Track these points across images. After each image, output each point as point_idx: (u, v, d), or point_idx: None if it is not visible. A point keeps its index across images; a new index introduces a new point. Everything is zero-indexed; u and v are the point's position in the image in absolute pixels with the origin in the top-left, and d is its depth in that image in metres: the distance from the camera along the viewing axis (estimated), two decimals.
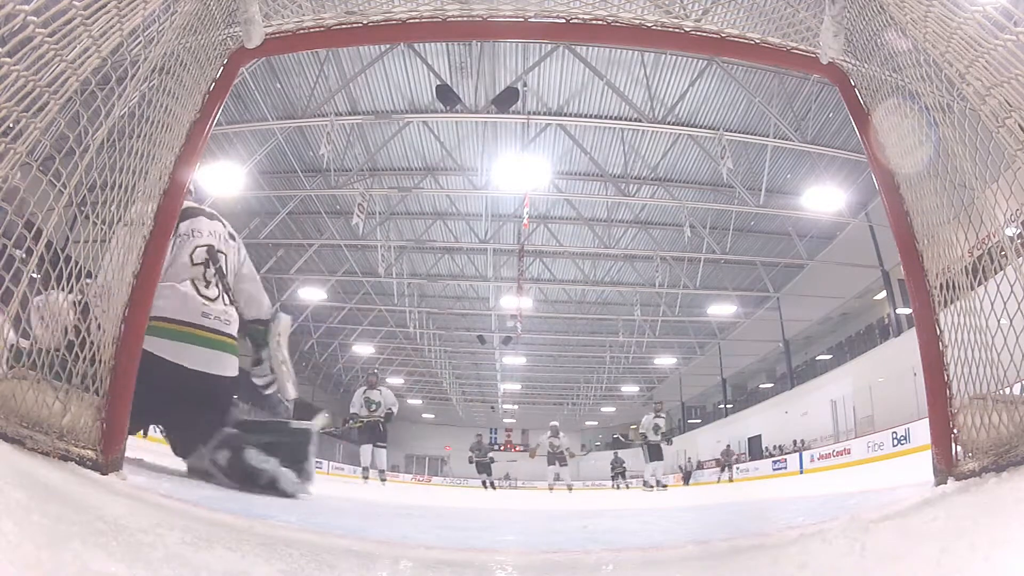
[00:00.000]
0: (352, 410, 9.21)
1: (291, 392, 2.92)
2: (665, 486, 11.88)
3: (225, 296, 2.59)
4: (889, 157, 1.93)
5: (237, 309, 2.66)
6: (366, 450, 9.05)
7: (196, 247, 2.48)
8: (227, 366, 2.54)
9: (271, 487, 2.36)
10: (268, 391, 2.89)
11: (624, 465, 20.35)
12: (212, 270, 2.50)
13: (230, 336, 2.58)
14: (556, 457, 13.27)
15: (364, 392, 9.22)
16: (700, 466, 24.69)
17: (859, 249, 14.73)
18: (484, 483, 15.08)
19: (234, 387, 2.65)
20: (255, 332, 2.75)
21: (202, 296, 2.44)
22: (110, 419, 1.63)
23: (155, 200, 1.86)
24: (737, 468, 20.06)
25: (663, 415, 11.89)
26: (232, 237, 2.76)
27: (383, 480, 9.00)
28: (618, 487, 18.32)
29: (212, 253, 2.50)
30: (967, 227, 1.52)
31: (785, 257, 16.25)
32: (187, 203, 2.10)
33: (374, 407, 9.10)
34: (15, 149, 1.16)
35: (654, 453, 11.63)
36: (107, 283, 1.57)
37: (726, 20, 2.18)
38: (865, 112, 2.04)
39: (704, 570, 1.20)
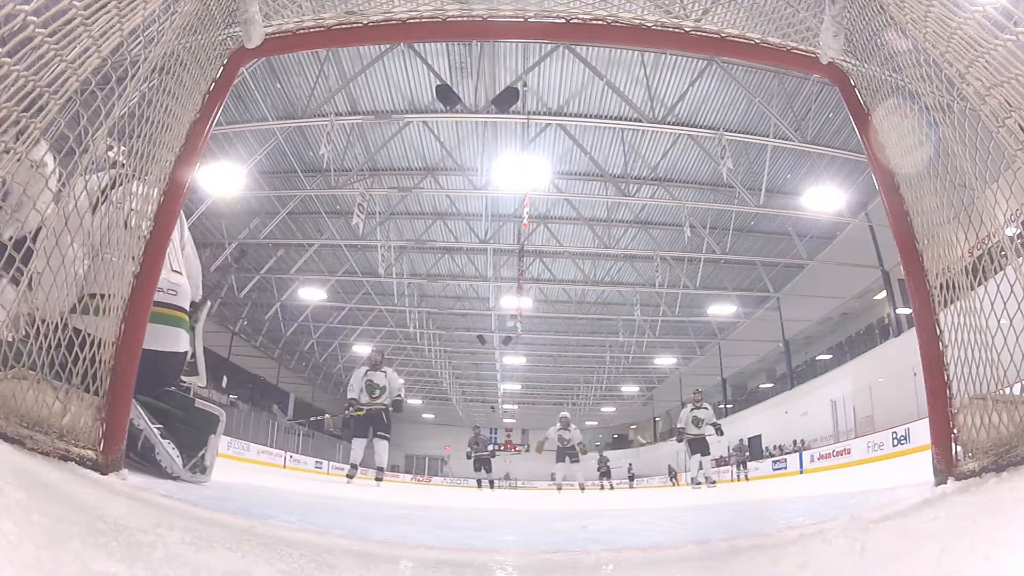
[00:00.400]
0: (350, 395, 7.28)
1: (203, 379, 2.80)
2: (714, 482, 10.37)
3: (171, 262, 2.41)
4: (889, 157, 1.93)
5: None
6: (359, 444, 7.18)
7: (130, 211, 2.33)
8: (172, 341, 2.39)
9: (147, 458, 2.15)
10: (182, 376, 2.73)
11: (608, 464, 19.89)
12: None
13: (176, 308, 2.42)
14: (567, 452, 11.58)
15: (366, 374, 7.35)
16: (701, 466, 24.59)
17: (859, 249, 14.73)
18: (480, 482, 13.10)
19: (182, 364, 2.52)
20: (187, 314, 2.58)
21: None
22: (110, 419, 1.63)
23: (155, 200, 1.87)
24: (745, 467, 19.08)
25: (705, 406, 10.35)
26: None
27: (378, 480, 7.10)
28: (603, 487, 17.72)
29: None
30: (967, 227, 1.52)
31: (785, 257, 16.25)
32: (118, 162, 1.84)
33: (377, 393, 7.27)
34: (15, 149, 1.16)
35: (695, 447, 10.22)
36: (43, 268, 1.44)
37: (726, 20, 2.18)
38: (865, 112, 2.04)
39: (704, 570, 1.20)
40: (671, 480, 25.64)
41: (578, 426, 12.08)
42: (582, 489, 11.55)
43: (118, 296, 1.73)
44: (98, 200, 1.64)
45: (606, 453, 21.38)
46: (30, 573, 0.70)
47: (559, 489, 11.23)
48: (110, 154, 1.66)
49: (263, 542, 1.19)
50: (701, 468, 10.10)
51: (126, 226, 2.01)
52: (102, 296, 1.88)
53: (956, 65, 1.39)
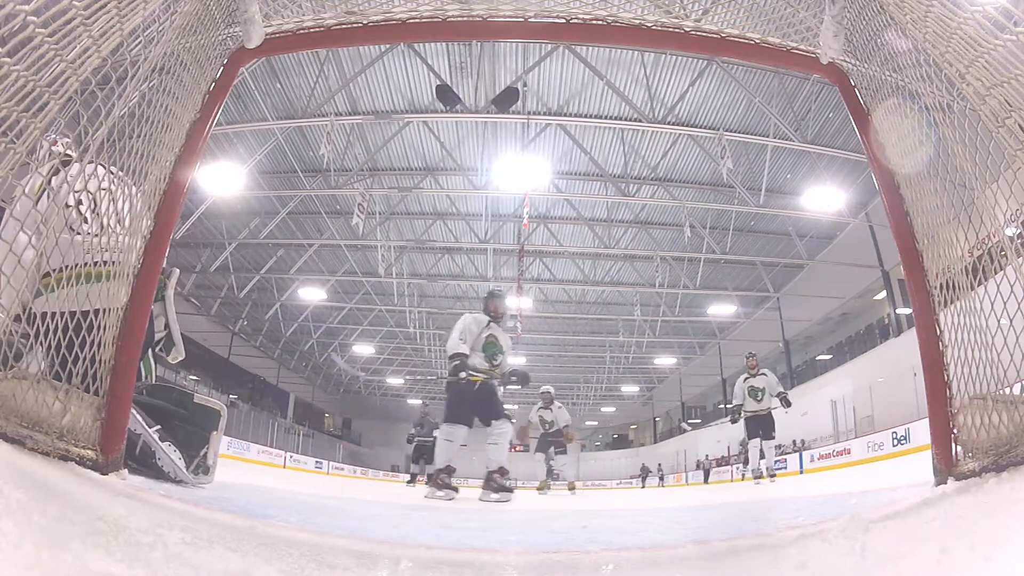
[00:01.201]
0: (457, 350, 4.65)
1: (181, 352, 2.66)
2: (774, 475, 8.20)
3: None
4: (889, 157, 1.93)
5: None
6: (456, 434, 4.59)
7: (70, 192, 2.05)
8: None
9: (148, 463, 2.06)
10: (158, 348, 2.58)
11: (551, 462, 18.21)
12: (87, 207, 2.04)
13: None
14: (550, 440, 9.06)
15: (487, 327, 4.84)
16: (763, 454, 23.74)
17: (859, 249, 14.72)
18: (414, 477, 10.32)
19: (151, 325, 2.40)
20: None
21: (83, 233, 1.99)
22: (110, 419, 1.63)
23: (155, 200, 1.87)
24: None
25: (763, 372, 8.01)
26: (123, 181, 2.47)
27: (506, 492, 4.45)
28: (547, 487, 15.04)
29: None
30: (967, 227, 1.52)
31: (785, 257, 16.25)
32: (65, 154, 1.71)
33: (500, 359, 4.85)
34: (15, 149, 1.16)
35: (754, 427, 7.79)
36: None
37: (726, 20, 2.18)
38: (865, 112, 2.04)
39: (704, 570, 1.20)
40: (640, 483, 25.42)
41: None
42: (571, 490, 8.99)
43: (118, 296, 1.73)
44: (40, 193, 1.61)
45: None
46: (30, 573, 0.70)
47: (540, 490, 8.74)
48: (54, 148, 1.65)
49: (263, 542, 1.19)
50: (763, 457, 7.83)
51: (64, 203, 1.87)
52: (50, 273, 1.82)
53: (956, 65, 1.39)
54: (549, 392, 9.60)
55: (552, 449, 9.19)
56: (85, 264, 2.08)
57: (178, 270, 2.75)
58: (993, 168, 1.37)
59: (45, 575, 0.71)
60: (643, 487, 22.66)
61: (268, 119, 11.16)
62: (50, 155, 1.64)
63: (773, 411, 7.86)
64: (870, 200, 13.27)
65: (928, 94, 1.59)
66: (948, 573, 0.83)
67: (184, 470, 2.20)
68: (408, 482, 10.84)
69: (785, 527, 1.60)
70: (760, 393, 7.86)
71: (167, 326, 2.59)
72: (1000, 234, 1.43)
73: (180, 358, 2.71)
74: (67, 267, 1.87)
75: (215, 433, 2.39)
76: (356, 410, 34.84)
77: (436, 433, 10.31)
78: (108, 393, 1.64)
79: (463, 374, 4.54)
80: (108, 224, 2.20)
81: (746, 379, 8.04)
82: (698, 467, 24.55)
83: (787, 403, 7.86)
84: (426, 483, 4.83)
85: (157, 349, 2.64)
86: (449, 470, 4.58)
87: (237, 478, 4.36)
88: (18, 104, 1.14)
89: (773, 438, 7.94)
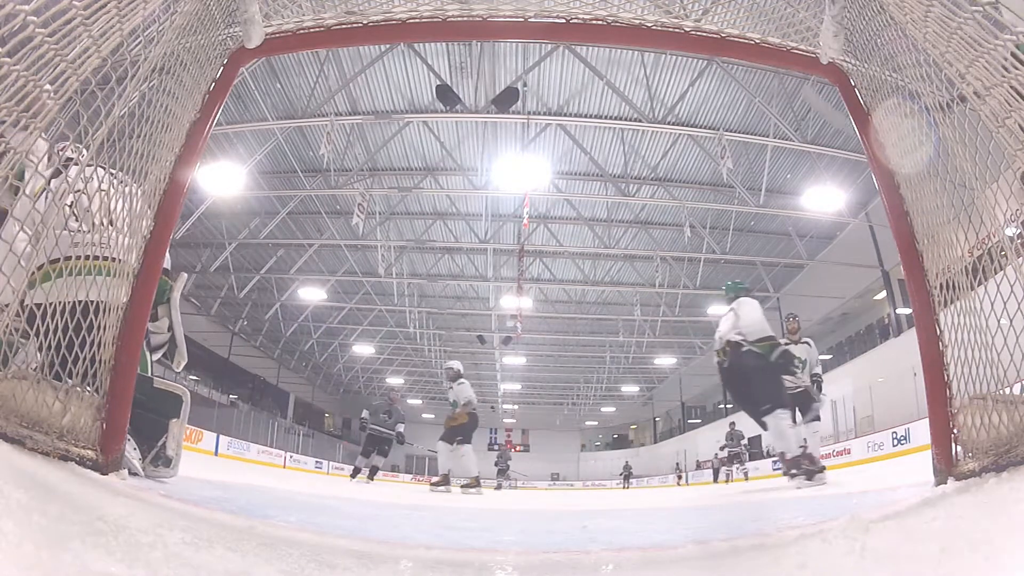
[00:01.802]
0: (769, 332, 4.62)
1: (184, 356, 2.56)
2: (822, 468, 5.81)
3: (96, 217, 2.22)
4: (889, 157, 1.93)
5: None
6: (789, 418, 4.51)
7: (68, 192, 2.00)
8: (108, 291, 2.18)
9: None
10: (158, 353, 2.49)
11: (508, 462, 18.03)
12: (85, 206, 1.98)
13: (111, 259, 2.20)
14: (450, 425, 7.54)
15: None
16: (805, 443, 22.88)
17: (859, 249, 14.72)
18: (357, 471, 9.29)
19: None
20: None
21: (75, 230, 1.94)
22: (110, 419, 1.63)
23: (155, 200, 1.87)
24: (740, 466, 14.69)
25: (806, 340, 6.50)
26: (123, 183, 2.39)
27: (820, 472, 4.24)
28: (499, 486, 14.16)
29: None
30: (967, 227, 1.52)
31: (785, 257, 16.25)
32: (68, 154, 1.73)
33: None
34: (15, 149, 1.16)
35: (790, 406, 6.43)
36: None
37: (726, 20, 2.18)
38: (865, 112, 2.04)
39: (704, 570, 1.20)
40: (624, 483, 25.23)
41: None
42: (468, 487, 7.16)
43: (118, 296, 1.73)
44: (41, 192, 1.61)
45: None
46: (30, 573, 0.70)
47: (435, 484, 7.23)
48: (63, 153, 1.66)
49: (263, 542, 1.19)
50: (804, 446, 5.86)
51: (63, 203, 1.84)
52: (42, 266, 1.79)
53: (956, 65, 1.39)
54: (452, 368, 7.75)
55: (454, 441, 7.43)
56: (87, 257, 2.07)
57: (185, 274, 2.70)
58: (993, 168, 1.37)
59: (45, 575, 0.71)
60: (626, 487, 22.50)
61: (268, 119, 11.16)
62: (52, 161, 1.65)
63: (808, 389, 6.16)
64: (870, 200, 13.27)
65: (928, 94, 1.59)
66: (948, 573, 0.83)
67: (138, 462, 2.05)
68: (354, 474, 9.50)
69: (785, 527, 1.60)
70: (802, 365, 6.15)
71: (171, 328, 2.50)
72: (1000, 234, 1.43)
73: (184, 363, 2.64)
74: (66, 259, 1.85)
75: (175, 421, 2.21)
76: (356, 410, 34.72)
77: (399, 428, 9.54)
78: (108, 393, 1.64)
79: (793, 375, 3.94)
80: (105, 222, 2.18)
81: (786, 344, 6.08)
82: (698, 467, 24.57)
83: (819, 386, 6.28)
84: (787, 472, 4.21)
85: (161, 355, 2.57)
86: (805, 453, 4.23)
87: (237, 478, 4.36)
88: (18, 104, 1.14)
89: (819, 419, 5.99)
